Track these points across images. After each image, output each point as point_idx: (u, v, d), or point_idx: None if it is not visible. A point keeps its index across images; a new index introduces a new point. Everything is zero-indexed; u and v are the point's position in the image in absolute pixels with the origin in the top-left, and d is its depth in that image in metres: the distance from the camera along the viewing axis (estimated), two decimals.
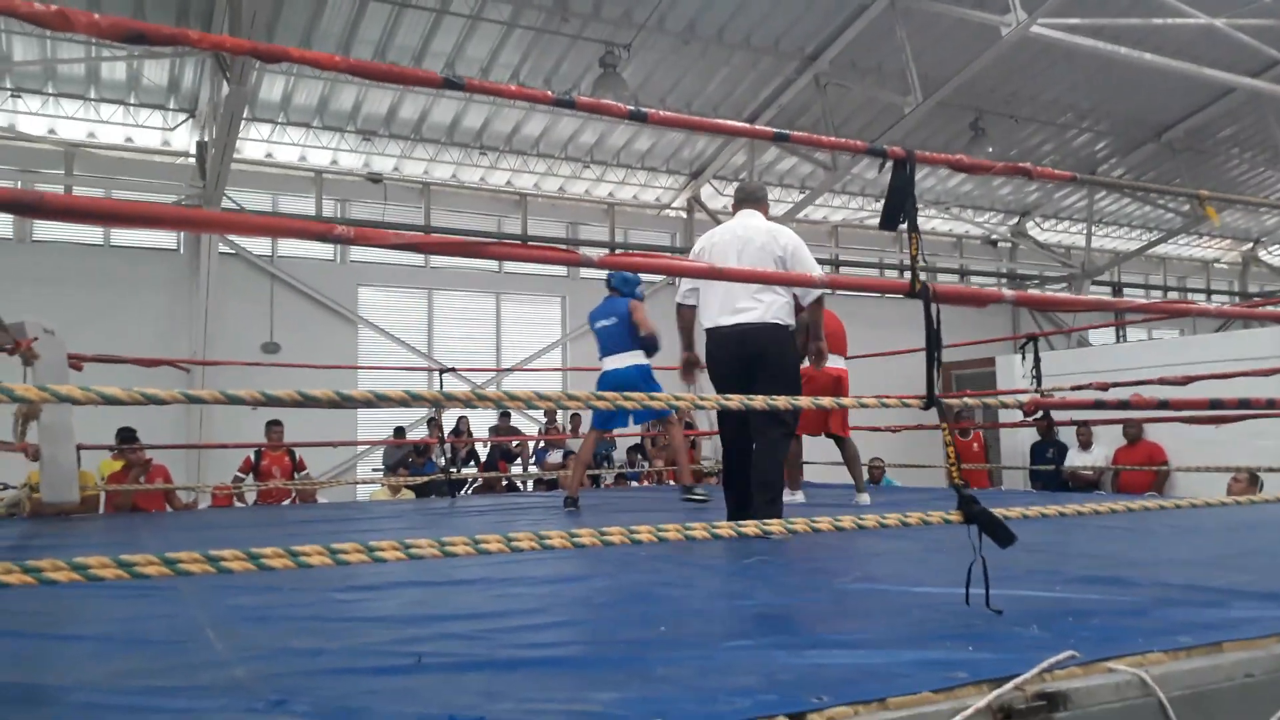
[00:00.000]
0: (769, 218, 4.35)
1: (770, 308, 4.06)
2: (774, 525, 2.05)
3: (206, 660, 1.95)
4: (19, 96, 10.65)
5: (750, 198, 4.35)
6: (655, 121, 2.08)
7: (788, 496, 5.83)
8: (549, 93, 1.99)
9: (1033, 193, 17.04)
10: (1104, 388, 6.09)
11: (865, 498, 5.99)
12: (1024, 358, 6.95)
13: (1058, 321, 16.97)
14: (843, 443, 6.16)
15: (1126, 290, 19.00)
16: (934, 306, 2.27)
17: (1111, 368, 10.32)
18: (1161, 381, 6.49)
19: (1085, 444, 9.58)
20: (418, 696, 1.65)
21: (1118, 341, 17.24)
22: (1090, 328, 15.74)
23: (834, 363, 5.81)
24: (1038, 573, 2.78)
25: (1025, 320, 17.37)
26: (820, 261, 17.59)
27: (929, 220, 17.01)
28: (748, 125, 2.52)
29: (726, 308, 4.07)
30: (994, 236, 18.01)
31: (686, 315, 4.38)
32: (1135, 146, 15.58)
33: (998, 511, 2.26)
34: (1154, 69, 10.99)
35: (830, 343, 5.80)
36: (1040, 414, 8.46)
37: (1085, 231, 17.64)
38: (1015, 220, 17.73)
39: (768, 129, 2.41)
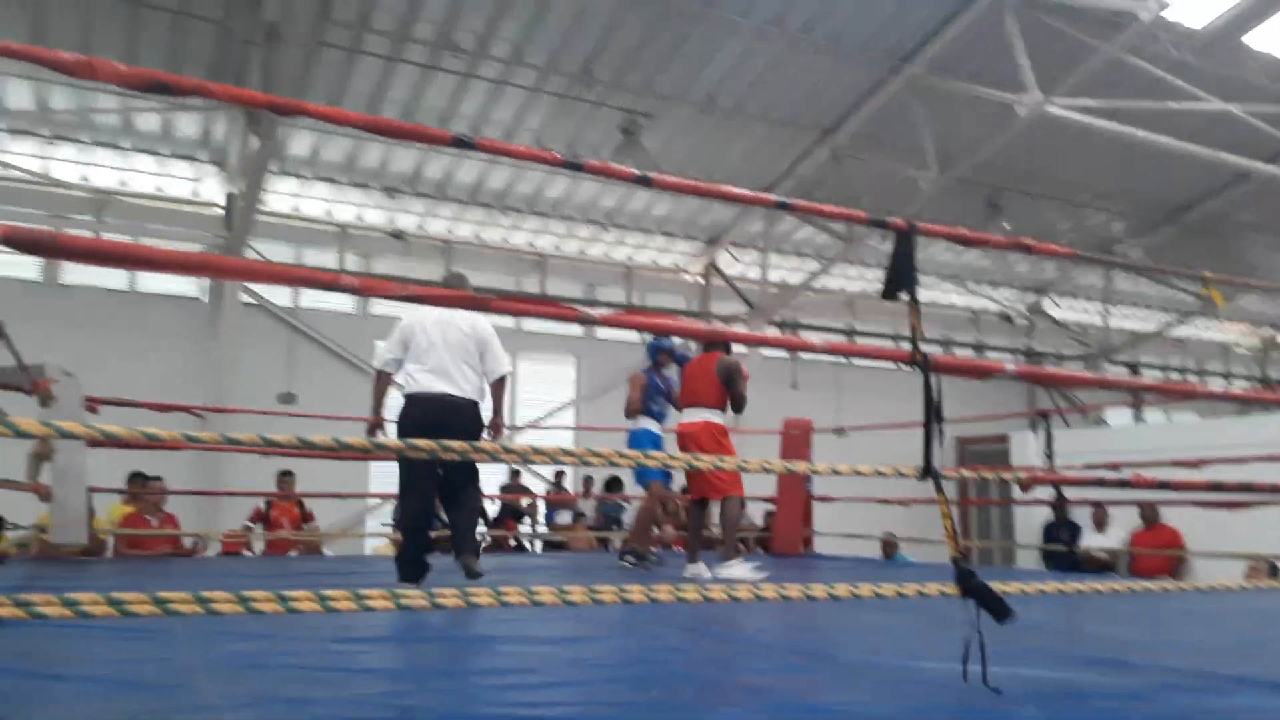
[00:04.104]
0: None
1: (475, 386, 4.55)
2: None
3: (194, 705, 1.95)
4: (54, 144, 10.93)
5: (450, 287, 4.84)
6: (660, 186, 2.13)
7: (689, 568, 5.42)
8: (557, 155, 2.04)
9: (1049, 270, 17.08)
10: (1116, 467, 6.02)
11: (724, 569, 5.16)
12: (1036, 434, 6.89)
13: (1073, 400, 16.87)
14: (722, 503, 5.58)
15: (1144, 372, 18.89)
16: (934, 377, 2.28)
17: (1127, 448, 10.25)
18: (1176, 463, 6.44)
19: (1100, 525, 9.45)
20: None
21: (1135, 422, 17.10)
22: (1104, 406, 15.63)
23: (690, 416, 5.60)
24: (1041, 652, 2.74)
25: (1042, 398, 17.27)
26: (834, 331, 17.42)
27: (945, 294, 17.04)
28: (751, 193, 2.56)
29: (440, 377, 4.45)
30: (1009, 313, 18.01)
31: (386, 381, 4.78)
32: (1152, 227, 15.63)
33: (999, 587, 2.24)
34: (1170, 151, 11.09)
35: (684, 391, 5.83)
36: (1055, 493, 8.37)
37: (1102, 311, 17.63)
38: (1032, 298, 17.75)
39: (771, 197, 2.45)
